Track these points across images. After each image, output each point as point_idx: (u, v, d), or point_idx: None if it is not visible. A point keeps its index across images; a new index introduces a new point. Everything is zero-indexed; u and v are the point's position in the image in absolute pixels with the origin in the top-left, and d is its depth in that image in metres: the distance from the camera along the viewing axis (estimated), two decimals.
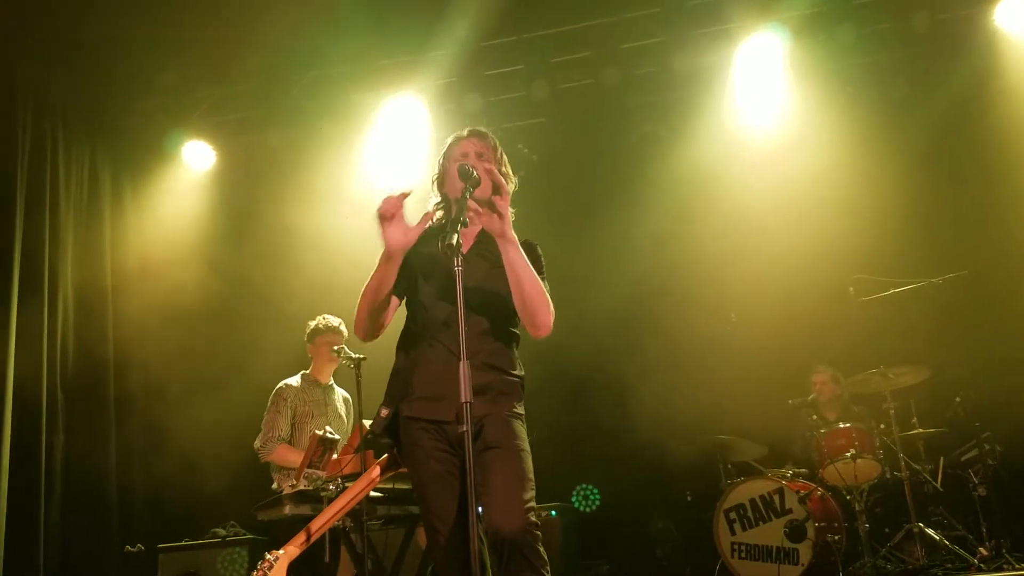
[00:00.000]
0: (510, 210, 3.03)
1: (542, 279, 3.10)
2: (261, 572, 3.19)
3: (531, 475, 2.95)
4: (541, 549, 2.88)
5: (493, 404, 3.02)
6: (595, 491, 7.17)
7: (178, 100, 7.36)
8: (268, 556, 3.23)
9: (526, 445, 3.03)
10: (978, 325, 6.39)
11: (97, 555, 6.41)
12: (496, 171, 3.03)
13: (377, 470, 3.39)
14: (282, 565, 3.21)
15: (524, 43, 7.03)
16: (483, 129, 3.34)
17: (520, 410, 3.11)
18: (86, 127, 7.09)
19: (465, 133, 3.31)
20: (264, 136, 7.43)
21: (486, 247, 3.18)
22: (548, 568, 2.88)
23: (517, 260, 2.98)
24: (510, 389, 3.10)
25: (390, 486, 4.32)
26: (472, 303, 3.00)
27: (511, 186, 3.15)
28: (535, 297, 2.99)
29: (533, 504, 2.90)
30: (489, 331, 3.09)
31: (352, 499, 3.40)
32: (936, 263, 6.13)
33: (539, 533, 2.89)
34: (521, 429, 3.06)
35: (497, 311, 3.12)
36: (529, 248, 3.18)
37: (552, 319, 3.04)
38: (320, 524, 3.36)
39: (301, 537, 3.31)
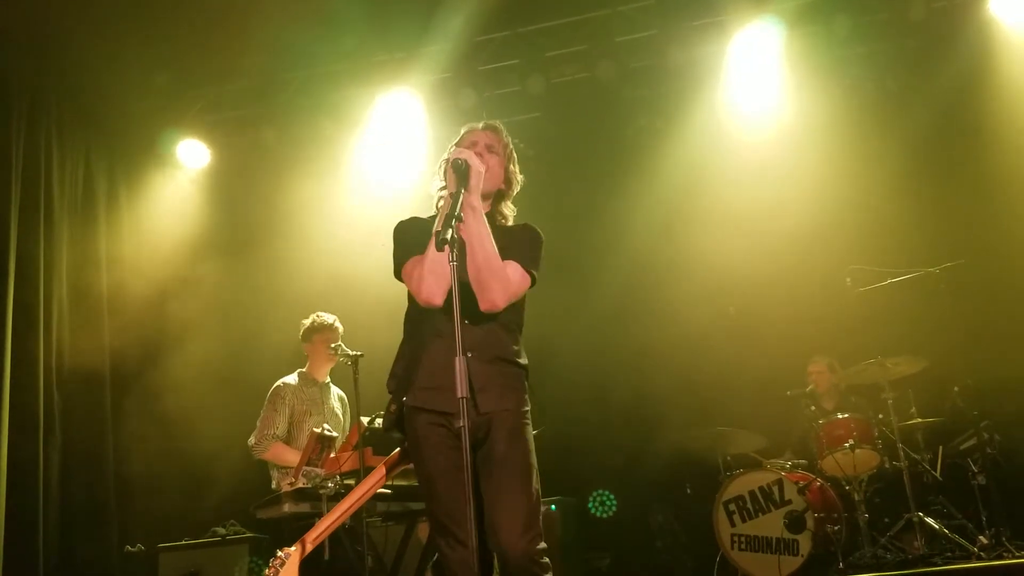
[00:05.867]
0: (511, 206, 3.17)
1: (533, 261, 3.10)
2: (273, 569, 3.13)
3: (539, 495, 2.94)
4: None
5: (500, 399, 3.00)
6: (611, 497, 7.17)
7: (173, 99, 7.34)
8: (280, 553, 3.16)
9: (534, 459, 3.00)
10: (976, 314, 6.39)
11: (98, 555, 6.41)
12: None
13: (384, 468, 3.35)
14: (294, 562, 3.15)
15: (519, 37, 7.02)
16: (498, 124, 3.33)
17: (527, 407, 3.09)
18: (80, 128, 7.07)
19: (480, 125, 3.32)
20: (260, 134, 7.42)
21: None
22: None
23: (475, 231, 2.92)
24: (516, 383, 3.09)
25: (389, 482, 4.31)
26: (474, 293, 3.00)
27: (516, 186, 3.27)
28: (484, 271, 2.94)
29: (540, 531, 2.88)
30: (493, 319, 3.05)
31: (362, 496, 3.34)
32: (933, 252, 6.13)
33: (546, 561, 2.87)
34: (530, 437, 3.03)
35: None
36: (525, 230, 3.23)
37: (504, 300, 2.98)
38: (330, 521, 3.30)
39: (312, 534, 3.25)
